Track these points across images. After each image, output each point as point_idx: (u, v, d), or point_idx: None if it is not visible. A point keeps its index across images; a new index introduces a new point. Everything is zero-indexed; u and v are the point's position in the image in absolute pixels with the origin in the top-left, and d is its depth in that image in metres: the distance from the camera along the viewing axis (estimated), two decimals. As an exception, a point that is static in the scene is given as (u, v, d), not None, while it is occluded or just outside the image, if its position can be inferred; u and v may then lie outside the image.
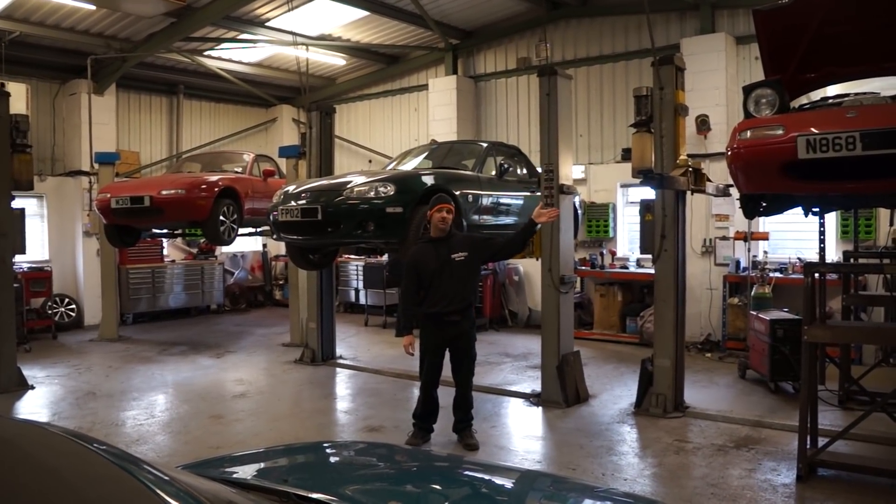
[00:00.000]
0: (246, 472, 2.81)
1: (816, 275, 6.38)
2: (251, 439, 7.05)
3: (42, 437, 1.78)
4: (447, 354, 6.72)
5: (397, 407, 8.18)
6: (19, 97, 11.64)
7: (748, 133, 5.51)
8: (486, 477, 3.07)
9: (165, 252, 15.46)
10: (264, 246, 17.35)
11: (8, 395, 8.82)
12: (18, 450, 1.57)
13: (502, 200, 8.90)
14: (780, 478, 5.79)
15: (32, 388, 9.15)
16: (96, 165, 12.90)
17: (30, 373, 9.53)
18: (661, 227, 7.64)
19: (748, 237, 10.54)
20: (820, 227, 7.66)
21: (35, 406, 8.44)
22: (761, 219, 10.40)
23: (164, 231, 12.39)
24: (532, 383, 9.00)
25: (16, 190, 9.14)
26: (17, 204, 9.39)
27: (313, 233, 7.80)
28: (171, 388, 9.37)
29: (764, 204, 6.26)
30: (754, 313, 9.21)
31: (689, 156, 7.77)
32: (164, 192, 10.10)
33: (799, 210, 6.49)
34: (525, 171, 9.86)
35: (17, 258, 10.19)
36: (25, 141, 9.10)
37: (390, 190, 7.30)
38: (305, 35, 13.47)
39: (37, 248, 13.64)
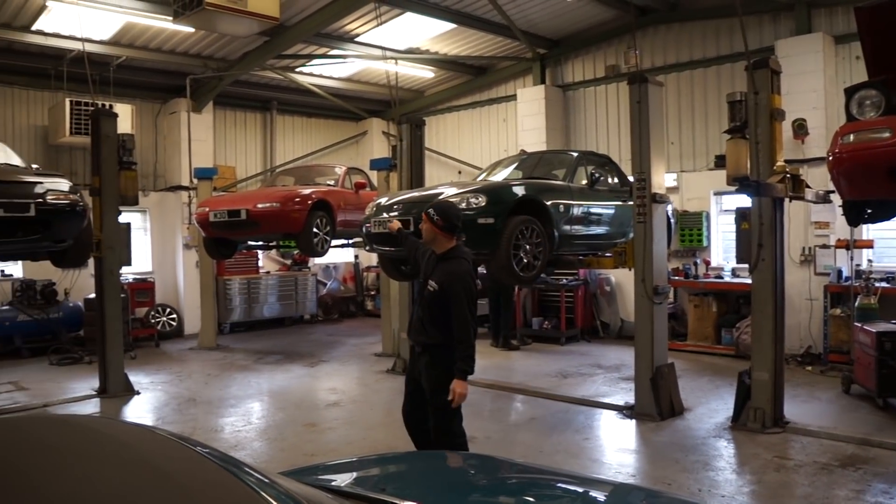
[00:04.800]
0: (343, 479, 2.85)
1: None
2: (344, 447, 7.16)
3: (154, 440, 1.85)
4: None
5: (490, 418, 8.19)
6: (125, 117, 12.21)
7: (851, 137, 5.30)
8: (580, 489, 3.04)
9: (261, 263, 15.91)
10: (356, 257, 17.62)
11: (116, 399, 9.24)
12: (135, 452, 1.65)
13: (594, 210, 8.81)
14: (893, 501, 5.51)
15: (138, 393, 9.55)
16: (195, 180, 13.38)
17: (135, 379, 9.94)
18: (758, 236, 7.42)
19: (851, 245, 10.11)
20: (930, 235, 7.31)
21: (141, 410, 8.80)
22: (865, 226, 9.98)
23: (260, 243, 12.74)
24: (625, 395, 8.87)
25: (122, 205, 9.57)
26: (123, 218, 9.83)
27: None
28: (266, 395, 9.61)
29: (869, 210, 6.01)
30: (859, 325, 8.83)
31: (786, 162, 7.52)
32: (259, 206, 10.40)
33: (907, 217, 6.21)
34: (616, 180, 9.74)
35: (124, 270, 10.66)
36: (131, 158, 9.51)
37: (482, 201, 7.30)
38: (394, 49, 13.69)
39: (141, 260, 14.24)
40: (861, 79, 6.36)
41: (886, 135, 5.12)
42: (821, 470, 6.19)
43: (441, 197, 7.55)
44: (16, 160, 8.92)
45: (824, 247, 10.82)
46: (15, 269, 12.80)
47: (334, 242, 11.52)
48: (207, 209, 10.90)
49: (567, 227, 8.26)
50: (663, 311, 8.33)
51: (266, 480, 1.76)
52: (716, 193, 12.64)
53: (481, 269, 9.71)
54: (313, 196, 10.74)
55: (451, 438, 5.32)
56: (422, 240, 5.56)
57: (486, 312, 12.89)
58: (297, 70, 14.91)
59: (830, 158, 5.49)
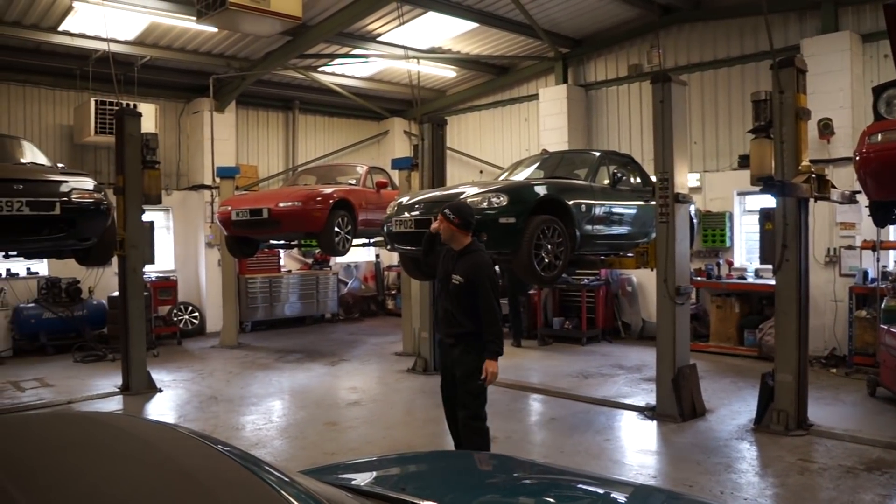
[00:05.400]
0: (363, 478, 2.85)
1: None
2: (365, 447, 7.17)
3: (176, 438, 1.86)
4: None
5: (510, 418, 8.16)
6: (149, 117, 12.33)
7: (879, 136, 5.24)
8: (601, 490, 3.02)
9: (282, 262, 15.97)
10: (377, 256, 17.67)
11: (139, 396, 9.32)
12: (157, 450, 1.66)
13: (616, 210, 8.76)
14: (917, 504, 5.44)
15: (160, 391, 9.61)
16: (218, 179, 13.47)
17: (158, 376, 10.01)
18: (782, 237, 7.34)
19: (877, 246, 9.98)
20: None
21: (163, 408, 8.87)
22: (892, 227, 9.85)
23: (282, 242, 12.78)
24: (646, 396, 8.82)
25: (146, 204, 9.65)
26: (146, 217, 9.90)
27: (426, 243, 7.89)
28: (287, 394, 9.65)
29: (896, 211, 5.94)
30: (885, 327, 8.70)
31: (811, 161, 7.44)
32: (281, 205, 10.44)
33: (936, 217, 6.11)
34: (639, 179, 9.68)
35: (147, 268, 10.75)
36: (154, 158, 9.59)
37: (503, 200, 7.29)
38: (416, 48, 13.70)
39: (164, 258, 14.34)
40: (889, 77, 6.27)
41: (914, 134, 5.05)
42: (845, 473, 6.12)
43: (462, 196, 7.55)
44: (42, 159, 9.02)
45: (850, 248, 10.69)
46: (40, 266, 12.96)
47: (355, 241, 11.53)
48: (230, 208, 10.96)
49: (589, 227, 8.22)
50: (685, 312, 8.27)
51: (286, 479, 1.76)
52: (739, 193, 12.55)
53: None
54: (335, 195, 10.76)
55: (478, 422, 5.69)
56: (443, 237, 5.75)
57: (506, 313, 12.86)
58: (319, 70, 14.96)
59: (857, 158, 5.44)
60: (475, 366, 5.53)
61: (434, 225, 5.80)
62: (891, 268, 10.42)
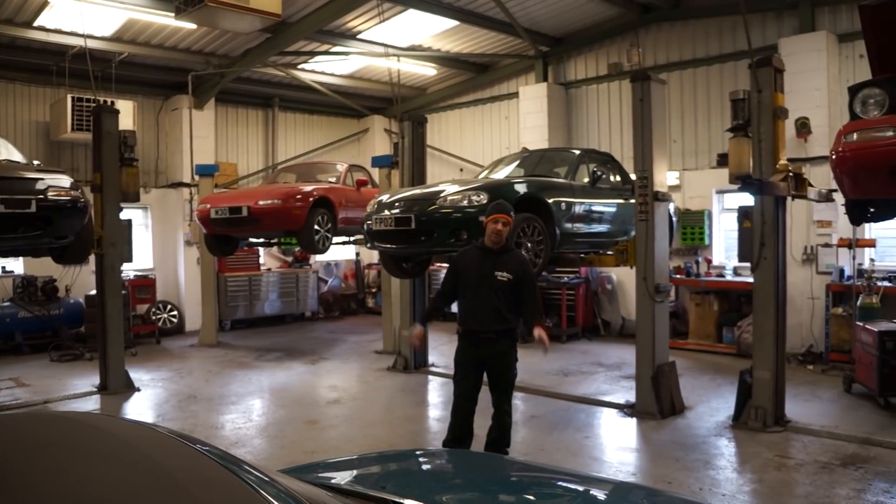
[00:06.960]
0: (343, 477, 2.84)
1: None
2: (345, 445, 7.15)
3: (154, 437, 1.85)
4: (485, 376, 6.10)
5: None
6: (127, 114, 12.20)
7: (855, 135, 5.28)
8: (580, 488, 3.02)
9: (262, 261, 15.90)
10: (357, 254, 17.61)
11: (117, 396, 9.24)
12: (134, 450, 1.64)
13: (595, 208, 8.80)
14: (894, 500, 5.49)
15: (139, 390, 9.54)
16: (197, 177, 13.37)
17: (136, 375, 9.93)
18: (760, 235, 7.41)
19: (853, 244, 10.09)
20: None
21: (141, 408, 8.80)
22: (867, 225, 9.96)
23: (261, 240, 12.72)
24: (626, 394, 8.85)
25: (124, 202, 9.56)
26: (124, 215, 9.82)
27: (407, 241, 7.87)
28: (267, 393, 9.61)
29: (871, 209, 5.99)
30: (861, 324, 8.81)
31: (788, 160, 7.51)
32: (260, 203, 10.39)
33: (910, 216, 6.18)
34: (618, 178, 9.72)
35: (125, 266, 10.64)
36: (133, 155, 9.50)
37: (483, 198, 7.29)
38: (396, 46, 13.65)
39: (142, 256, 14.22)
40: (865, 77, 6.33)
41: (890, 133, 5.10)
42: (822, 469, 6.18)
43: (444, 194, 7.57)
44: (17, 156, 8.90)
45: (826, 246, 10.80)
46: (16, 265, 12.82)
47: (335, 240, 11.49)
48: (209, 206, 10.89)
49: (568, 225, 8.25)
50: (665, 310, 8.33)
51: (266, 479, 1.75)
52: (718, 192, 12.63)
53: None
54: (314, 193, 10.72)
55: (510, 406, 6.16)
56: (497, 239, 5.90)
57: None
58: (299, 67, 14.90)
59: (833, 157, 5.47)
60: (515, 356, 6.00)
61: (500, 227, 5.85)
62: (866, 265, 10.53)
